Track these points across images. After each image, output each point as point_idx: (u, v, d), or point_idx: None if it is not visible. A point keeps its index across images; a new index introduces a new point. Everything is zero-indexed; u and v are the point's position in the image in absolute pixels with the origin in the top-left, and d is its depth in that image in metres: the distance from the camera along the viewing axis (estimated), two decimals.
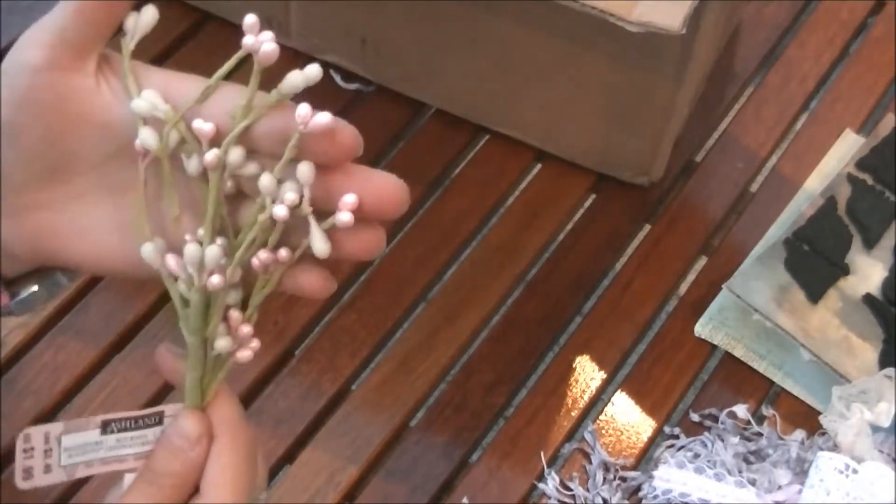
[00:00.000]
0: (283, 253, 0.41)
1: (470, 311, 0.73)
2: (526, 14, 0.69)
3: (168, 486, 0.42)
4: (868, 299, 0.72)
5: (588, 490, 0.67)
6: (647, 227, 0.78)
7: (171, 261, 0.41)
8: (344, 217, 0.39)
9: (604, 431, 0.69)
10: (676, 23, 0.61)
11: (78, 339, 0.71)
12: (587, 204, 0.79)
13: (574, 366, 0.72)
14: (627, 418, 0.70)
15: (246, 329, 0.42)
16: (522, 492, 0.67)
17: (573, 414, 0.70)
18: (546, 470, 0.68)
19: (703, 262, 0.77)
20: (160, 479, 0.42)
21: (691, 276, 0.76)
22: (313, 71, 0.39)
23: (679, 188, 0.80)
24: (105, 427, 0.43)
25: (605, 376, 0.72)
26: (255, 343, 0.43)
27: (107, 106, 0.41)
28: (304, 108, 0.38)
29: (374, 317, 0.73)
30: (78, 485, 0.66)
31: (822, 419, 0.68)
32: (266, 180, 0.40)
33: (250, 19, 0.39)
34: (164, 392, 0.69)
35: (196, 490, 0.42)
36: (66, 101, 0.40)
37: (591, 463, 0.68)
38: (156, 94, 0.40)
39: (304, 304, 0.73)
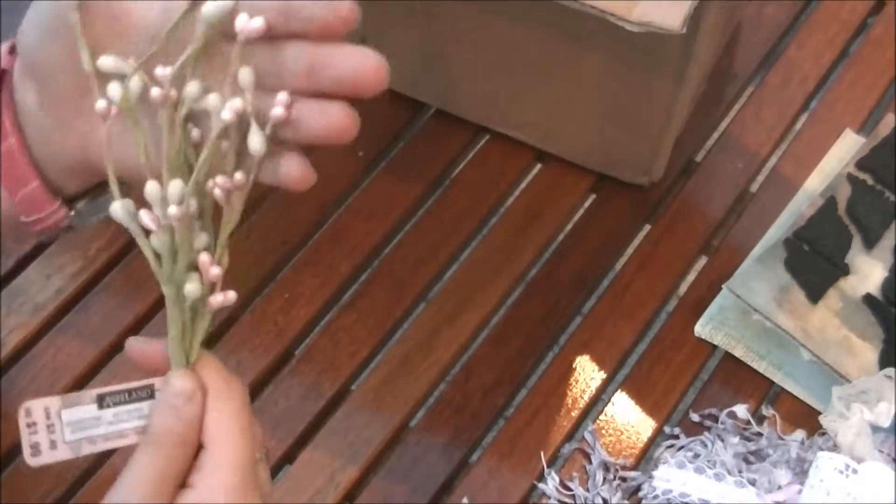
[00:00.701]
0: (239, 176, 0.42)
1: (470, 311, 0.73)
2: (526, 14, 0.69)
3: (171, 445, 0.42)
4: (868, 299, 0.72)
5: (588, 490, 0.67)
6: (647, 227, 0.78)
7: (145, 216, 0.43)
8: (276, 111, 0.41)
9: (604, 431, 0.69)
10: (676, 22, 0.61)
11: (78, 339, 0.71)
12: (587, 204, 0.79)
13: (574, 366, 0.72)
14: (627, 418, 0.70)
15: (215, 270, 0.43)
16: (522, 492, 0.67)
17: (573, 414, 0.70)
18: (546, 470, 0.68)
19: (703, 262, 0.77)
20: (162, 440, 0.42)
21: (691, 276, 0.76)
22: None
23: (679, 188, 0.80)
24: (101, 401, 0.44)
25: (605, 376, 0.72)
26: (232, 294, 0.43)
27: (136, 5, 0.42)
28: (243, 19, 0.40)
29: (374, 317, 0.73)
30: (78, 485, 0.66)
31: (822, 419, 0.68)
32: (213, 98, 0.41)
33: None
34: None
35: (200, 448, 0.43)
36: (105, 8, 0.42)
37: (591, 463, 0.68)
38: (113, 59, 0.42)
39: (304, 305, 0.73)
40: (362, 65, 0.42)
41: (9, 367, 0.69)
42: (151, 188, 0.42)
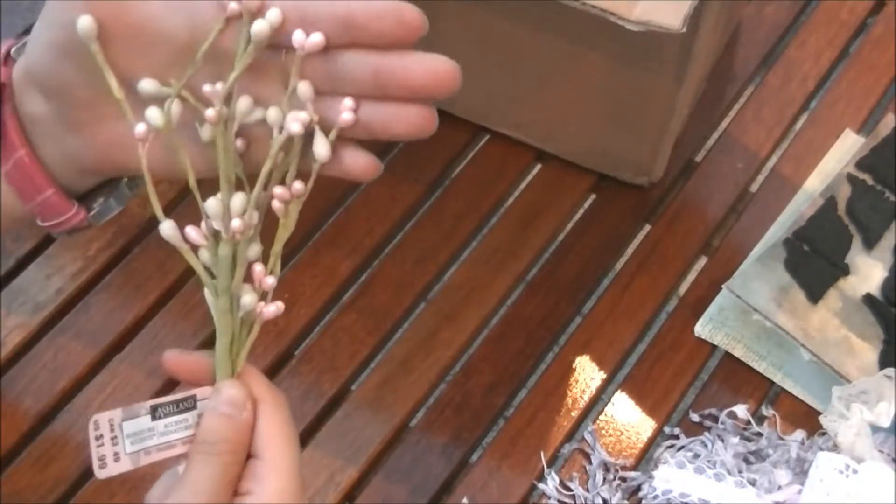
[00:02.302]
0: (298, 185, 0.43)
1: (470, 311, 0.73)
2: (526, 13, 0.69)
3: (226, 452, 0.43)
4: (868, 299, 0.72)
5: (588, 490, 0.67)
6: (647, 227, 0.78)
7: (193, 232, 0.43)
8: (345, 117, 0.41)
9: (604, 431, 0.69)
10: (677, 22, 0.61)
11: (78, 340, 0.71)
12: (587, 204, 0.79)
13: (574, 366, 0.72)
14: (627, 418, 0.70)
15: (270, 280, 0.43)
16: (522, 492, 0.67)
17: (573, 414, 0.70)
18: (546, 470, 0.68)
19: (703, 262, 0.77)
20: (216, 448, 0.43)
21: (691, 276, 0.76)
22: (274, 14, 0.40)
23: (679, 188, 0.80)
24: (154, 412, 0.44)
25: (605, 376, 0.72)
26: (281, 304, 0.44)
27: (159, 16, 0.42)
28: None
29: (374, 317, 0.73)
30: (78, 485, 0.66)
31: (822, 419, 0.68)
32: (273, 113, 0.41)
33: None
34: (165, 392, 0.69)
35: (250, 456, 0.43)
36: (122, 16, 0.42)
37: (591, 463, 0.68)
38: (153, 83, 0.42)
39: (304, 305, 0.73)
40: (437, 72, 0.42)
41: (9, 367, 0.70)
42: (212, 205, 0.43)
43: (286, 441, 0.44)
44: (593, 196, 0.79)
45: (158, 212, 0.44)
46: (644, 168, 0.77)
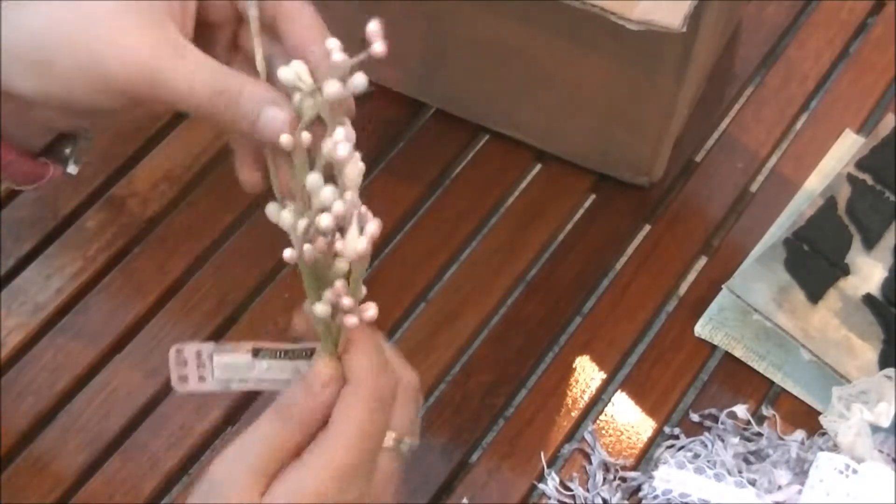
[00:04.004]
0: (373, 227, 0.45)
1: (470, 311, 0.73)
2: (526, 14, 0.69)
3: (296, 420, 0.44)
4: (868, 299, 0.72)
5: (588, 490, 0.67)
6: (647, 227, 0.78)
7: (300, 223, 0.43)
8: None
9: (604, 431, 0.69)
10: (677, 21, 0.61)
11: (78, 340, 0.71)
12: (587, 204, 0.79)
13: (574, 366, 0.72)
14: (627, 418, 0.70)
15: (348, 302, 0.44)
16: (522, 492, 0.67)
17: (573, 414, 0.70)
18: (546, 470, 0.68)
19: (703, 262, 0.77)
20: (287, 413, 0.44)
21: (691, 276, 0.76)
22: (360, 80, 0.42)
23: (679, 188, 0.80)
24: (256, 353, 0.46)
25: (605, 376, 0.72)
26: (374, 310, 0.46)
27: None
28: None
29: None
30: (78, 485, 0.66)
31: (822, 419, 0.68)
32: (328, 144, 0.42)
33: (374, 27, 0.43)
34: (164, 392, 0.69)
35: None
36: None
37: (591, 463, 0.68)
38: (302, 65, 0.42)
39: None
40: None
41: (9, 367, 0.69)
42: (325, 220, 0.43)
43: (359, 419, 0.44)
44: (593, 196, 0.79)
45: (294, 239, 0.44)
46: (644, 168, 0.77)
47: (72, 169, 0.49)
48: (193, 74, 0.42)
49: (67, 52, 0.42)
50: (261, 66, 0.45)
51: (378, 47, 0.41)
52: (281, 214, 0.44)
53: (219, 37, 0.47)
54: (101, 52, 0.42)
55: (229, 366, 0.45)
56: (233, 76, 0.44)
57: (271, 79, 0.44)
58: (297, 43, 0.45)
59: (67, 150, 0.49)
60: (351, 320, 0.45)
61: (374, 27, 0.42)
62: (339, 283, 0.44)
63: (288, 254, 0.44)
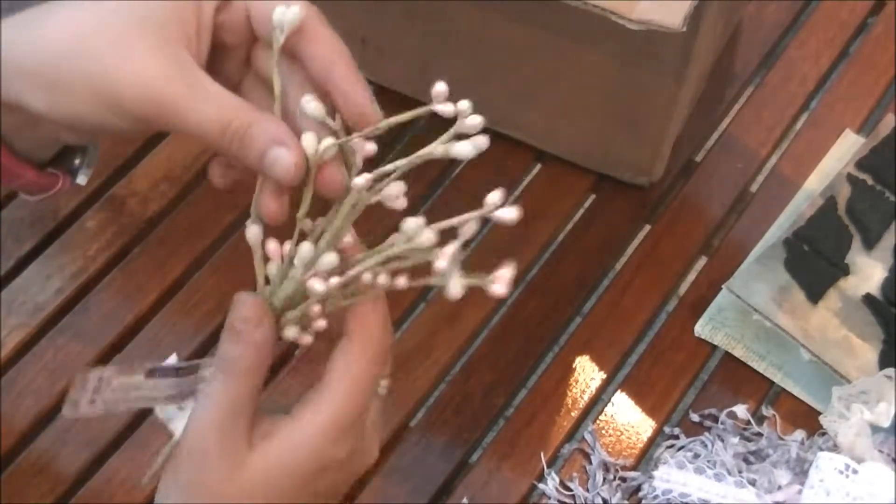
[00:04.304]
0: (402, 281, 0.43)
1: (470, 311, 0.73)
2: (526, 14, 0.69)
3: (242, 370, 0.43)
4: (868, 299, 0.72)
5: (588, 490, 0.67)
6: (647, 227, 0.78)
7: (272, 245, 0.44)
8: (498, 289, 0.44)
9: (604, 431, 0.69)
10: (677, 21, 0.61)
11: (78, 340, 0.71)
12: (587, 204, 0.79)
13: (574, 366, 0.72)
14: (627, 418, 0.70)
15: (321, 323, 0.44)
16: (522, 492, 0.67)
17: (573, 414, 0.70)
18: (546, 470, 0.68)
19: (703, 262, 0.77)
20: (233, 366, 0.43)
21: (691, 276, 0.76)
22: (481, 141, 0.43)
23: (679, 188, 0.80)
24: (149, 373, 0.45)
25: (604, 376, 0.72)
26: (322, 322, 0.44)
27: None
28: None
29: None
30: (78, 485, 0.66)
31: (822, 419, 0.68)
32: (411, 223, 0.43)
33: (440, 87, 0.43)
34: None
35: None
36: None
37: (591, 463, 0.68)
38: (320, 106, 0.43)
39: None
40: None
41: (9, 367, 0.69)
42: (305, 251, 0.43)
43: (353, 380, 0.44)
44: (593, 196, 0.79)
45: (254, 214, 0.45)
46: (644, 168, 0.77)
47: (81, 179, 0.50)
48: (204, 106, 0.43)
49: (81, 74, 0.42)
50: (277, 107, 0.45)
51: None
52: (302, 245, 0.44)
53: (232, 56, 0.47)
54: (114, 76, 0.42)
55: (121, 388, 0.45)
56: (243, 110, 0.43)
57: (287, 111, 0.45)
58: (320, 69, 0.45)
59: (77, 161, 0.50)
60: (307, 339, 0.45)
61: (441, 87, 0.43)
62: (318, 308, 0.44)
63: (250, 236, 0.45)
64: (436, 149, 0.42)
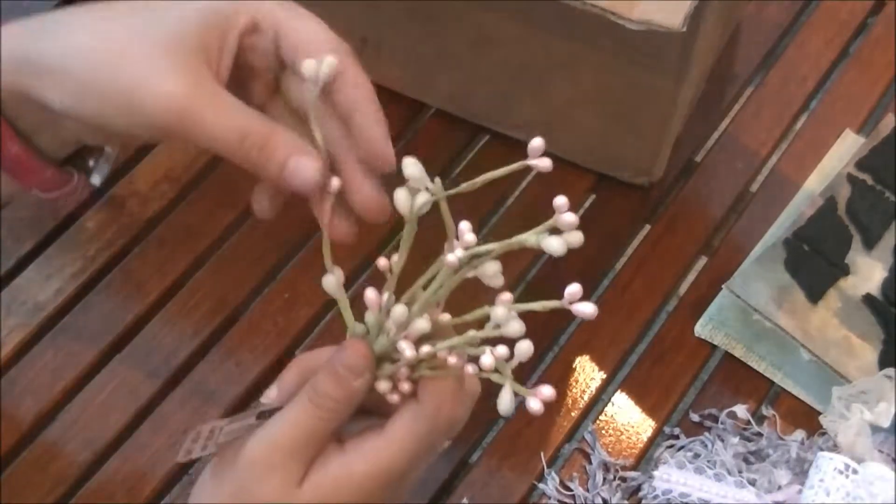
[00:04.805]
0: (470, 368, 0.44)
1: (470, 311, 0.73)
2: (526, 14, 0.69)
3: (328, 408, 0.44)
4: (868, 299, 0.72)
5: (588, 490, 0.67)
6: (647, 227, 0.78)
7: (370, 294, 0.46)
8: (534, 405, 0.43)
9: (604, 431, 0.69)
10: (677, 21, 0.61)
11: (78, 340, 0.71)
12: (587, 204, 0.79)
13: (574, 366, 0.72)
14: (627, 418, 0.70)
15: (406, 387, 0.45)
16: (522, 492, 0.67)
17: (573, 414, 0.70)
18: (546, 470, 0.68)
19: (703, 262, 0.77)
20: (321, 400, 0.44)
21: (691, 276, 0.76)
22: (576, 237, 0.44)
23: (679, 188, 0.80)
24: (261, 415, 0.46)
25: (605, 376, 0.72)
26: (407, 386, 0.45)
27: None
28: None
29: None
30: (78, 485, 0.66)
31: (822, 419, 0.68)
32: (500, 312, 0.44)
33: (537, 142, 0.44)
34: (164, 392, 0.69)
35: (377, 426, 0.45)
36: None
37: (591, 463, 0.68)
38: (419, 167, 0.44)
39: (303, 304, 0.73)
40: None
41: (9, 367, 0.69)
42: (399, 313, 0.44)
43: (412, 443, 0.44)
44: (593, 196, 0.79)
45: (328, 262, 0.47)
46: (644, 168, 0.77)
47: (96, 180, 0.50)
48: (223, 116, 0.44)
49: (107, 80, 0.43)
50: (320, 142, 0.45)
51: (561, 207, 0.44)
52: (395, 309, 0.45)
53: (259, 79, 0.48)
54: (138, 87, 0.43)
55: (232, 432, 0.45)
56: (261, 122, 0.45)
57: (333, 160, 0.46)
58: (346, 106, 0.46)
59: (91, 162, 0.50)
60: (394, 397, 0.45)
61: (537, 143, 0.44)
62: (405, 370, 0.44)
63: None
64: (528, 238, 0.42)
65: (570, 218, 0.41)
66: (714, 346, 0.72)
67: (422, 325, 0.43)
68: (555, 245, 0.42)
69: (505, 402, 0.42)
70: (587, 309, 0.41)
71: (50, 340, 0.71)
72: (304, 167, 0.44)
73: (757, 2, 0.87)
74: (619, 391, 0.71)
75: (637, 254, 0.77)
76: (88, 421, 0.68)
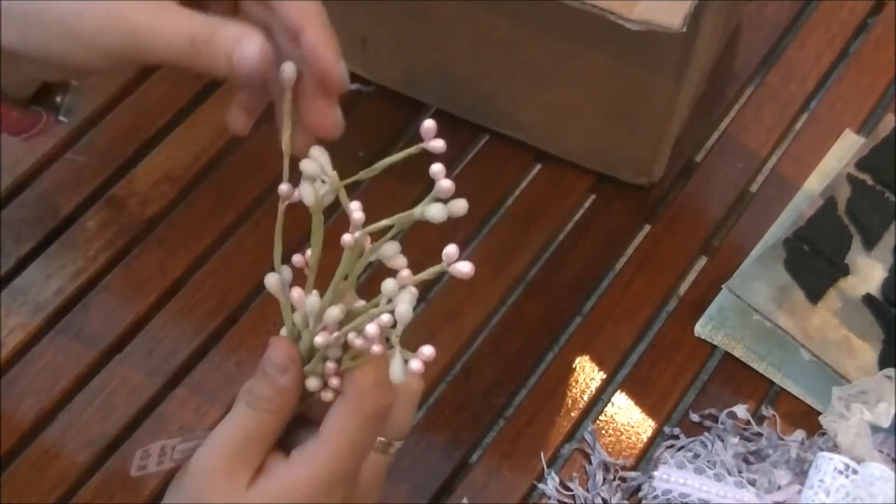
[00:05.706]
0: (376, 348, 0.43)
1: (470, 311, 0.73)
2: (526, 14, 0.69)
3: (263, 409, 0.44)
4: (868, 299, 0.72)
5: (588, 490, 0.67)
6: (647, 227, 0.78)
7: (295, 294, 0.45)
8: (415, 365, 0.42)
9: (604, 431, 0.69)
10: (677, 21, 0.61)
11: (78, 340, 0.71)
12: (587, 204, 0.79)
13: (574, 366, 0.72)
14: (627, 418, 0.70)
15: (335, 382, 0.44)
16: (522, 492, 0.67)
17: (573, 414, 0.70)
18: (546, 470, 0.68)
19: (703, 262, 0.77)
20: (256, 401, 0.44)
21: (691, 276, 0.76)
22: (460, 206, 0.44)
23: (679, 188, 0.80)
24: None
25: (604, 377, 0.72)
26: (336, 381, 0.45)
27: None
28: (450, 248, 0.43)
29: None
30: (78, 485, 0.66)
31: (822, 419, 0.68)
32: (389, 285, 0.44)
33: (428, 124, 0.44)
34: (164, 392, 0.69)
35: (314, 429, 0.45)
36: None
37: (591, 463, 0.68)
38: (324, 154, 0.44)
39: None
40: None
41: (9, 368, 0.69)
42: (311, 303, 0.44)
43: (345, 438, 0.44)
44: (593, 196, 0.79)
45: (277, 261, 0.46)
46: (644, 168, 0.77)
47: (63, 117, 0.50)
48: (171, 27, 0.43)
49: (48, 10, 0.43)
50: (288, 147, 0.46)
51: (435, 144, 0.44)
52: (308, 299, 0.44)
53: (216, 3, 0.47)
54: (79, 12, 0.42)
55: (185, 451, 0.46)
56: (206, 22, 0.44)
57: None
58: (293, 24, 0.46)
59: (58, 99, 0.50)
60: (327, 395, 0.45)
61: (429, 124, 0.44)
62: (332, 364, 0.44)
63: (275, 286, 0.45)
64: (415, 211, 0.43)
65: (447, 184, 0.42)
66: (714, 346, 0.72)
67: (334, 313, 0.43)
68: (434, 212, 0.42)
69: (396, 369, 0.42)
70: (464, 268, 0.41)
71: (50, 340, 0.71)
72: (247, 49, 0.43)
73: (757, 2, 0.87)
74: (618, 391, 0.71)
75: (637, 254, 0.77)
76: (88, 421, 0.68)
